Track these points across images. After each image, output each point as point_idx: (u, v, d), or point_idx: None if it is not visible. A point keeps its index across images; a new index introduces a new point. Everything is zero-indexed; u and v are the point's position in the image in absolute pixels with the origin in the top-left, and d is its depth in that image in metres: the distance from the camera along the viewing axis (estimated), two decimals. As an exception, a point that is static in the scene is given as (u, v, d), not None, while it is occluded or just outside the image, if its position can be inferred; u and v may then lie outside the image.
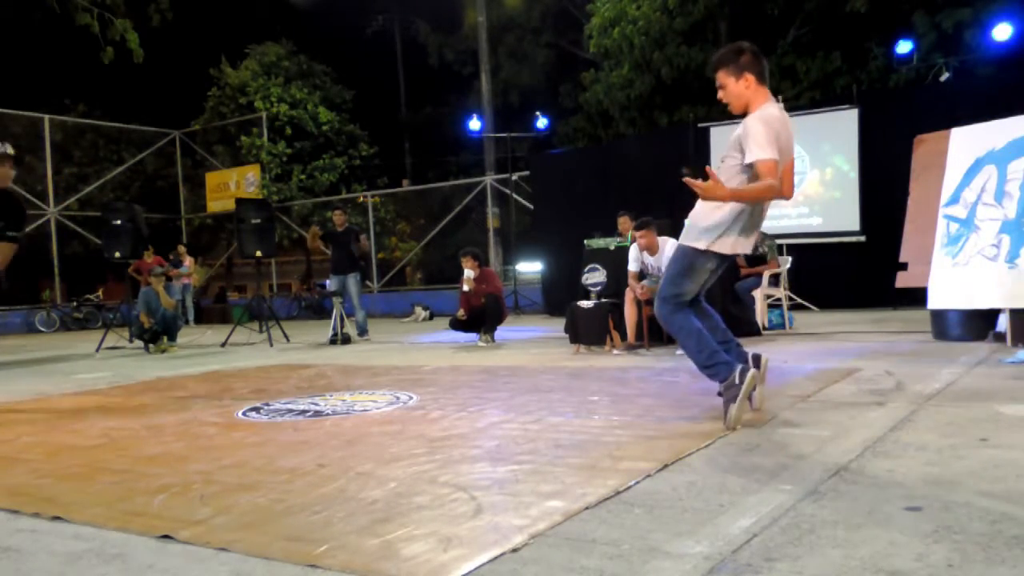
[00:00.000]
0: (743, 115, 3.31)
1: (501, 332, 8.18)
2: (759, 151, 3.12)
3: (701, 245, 3.29)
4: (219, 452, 3.26)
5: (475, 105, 19.42)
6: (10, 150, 5.12)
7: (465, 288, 8.05)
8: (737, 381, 3.15)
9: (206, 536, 2.12)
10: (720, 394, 3.22)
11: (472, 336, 8.31)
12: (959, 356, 5.17)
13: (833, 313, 9.83)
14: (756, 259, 7.93)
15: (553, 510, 2.18)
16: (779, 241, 9.26)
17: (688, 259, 3.34)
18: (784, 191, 3.33)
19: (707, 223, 3.27)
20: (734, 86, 3.28)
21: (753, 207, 3.26)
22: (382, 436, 3.42)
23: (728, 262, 3.41)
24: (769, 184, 3.10)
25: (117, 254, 9.90)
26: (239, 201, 10.70)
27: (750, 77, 3.25)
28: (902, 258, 6.38)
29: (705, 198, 3.17)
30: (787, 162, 3.30)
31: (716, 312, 3.56)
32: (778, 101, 3.36)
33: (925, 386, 4.04)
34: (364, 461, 2.94)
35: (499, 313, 8.18)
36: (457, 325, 8.22)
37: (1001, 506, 2.04)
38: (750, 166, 3.17)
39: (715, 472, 2.53)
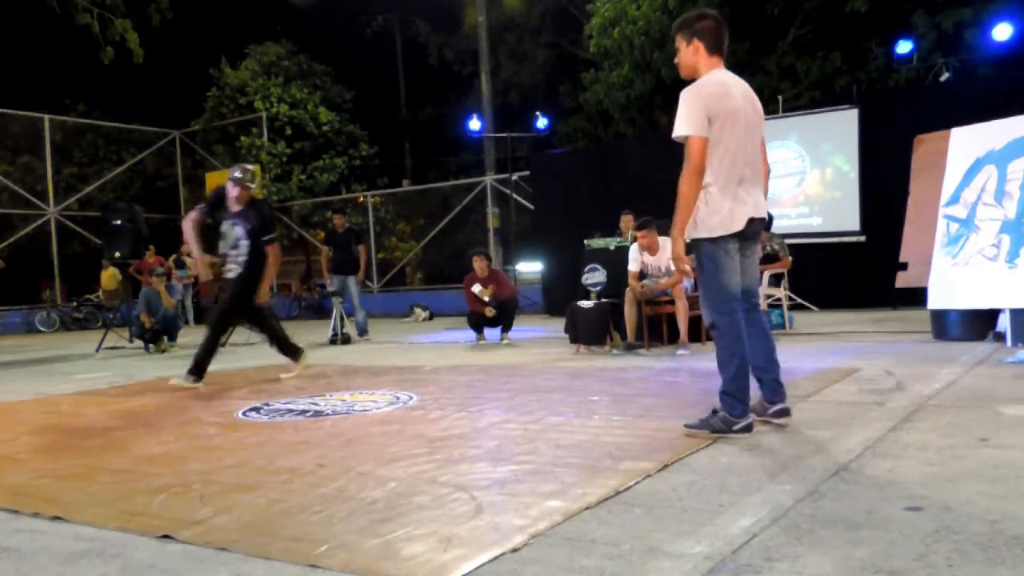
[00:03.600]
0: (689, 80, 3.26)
1: (499, 332, 8.21)
2: (677, 127, 3.06)
3: (716, 232, 3.11)
4: (219, 452, 3.26)
5: (475, 105, 19.38)
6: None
7: (486, 299, 8.07)
8: (735, 428, 3.02)
9: (206, 536, 2.12)
10: (715, 411, 3.11)
11: (472, 336, 8.36)
12: (959, 356, 5.17)
13: (833, 313, 9.82)
14: (768, 257, 7.91)
15: (553, 510, 2.18)
16: (779, 241, 9.24)
17: (709, 252, 3.14)
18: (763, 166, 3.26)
19: (706, 210, 3.12)
20: (684, 51, 3.22)
21: (728, 173, 3.08)
22: (382, 436, 3.42)
23: (751, 237, 3.21)
24: (692, 169, 3.01)
25: (117, 254, 9.90)
26: (239, 201, 10.69)
27: (699, 44, 3.18)
28: (902, 258, 6.38)
29: (678, 265, 3.20)
30: (744, 132, 3.12)
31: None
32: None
33: (925, 386, 4.03)
34: (364, 461, 2.94)
35: (515, 312, 8.47)
36: (476, 322, 8.26)
37: (1001, 506, 2.04)
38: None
39: (715, 472, 2.53)
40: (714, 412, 3.12)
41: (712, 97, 3.06)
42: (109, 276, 16.66)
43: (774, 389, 3.25)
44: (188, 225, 5.60)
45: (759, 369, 3.25)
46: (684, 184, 3.07)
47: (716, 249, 3.12)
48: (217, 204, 5.65)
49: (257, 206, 5.69)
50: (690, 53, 3.20)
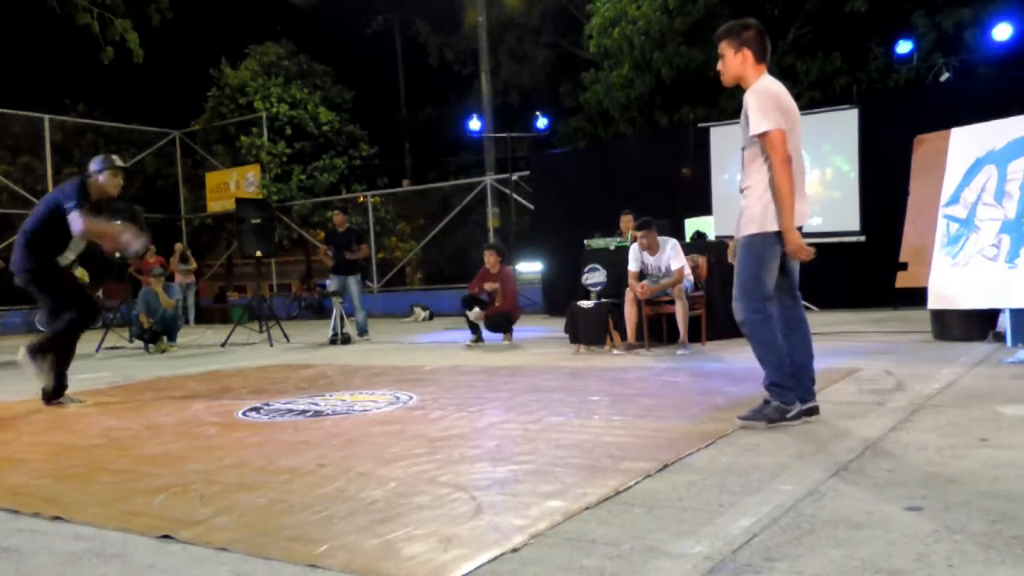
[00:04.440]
0: (730, 87, 3.41)
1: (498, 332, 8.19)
2: (760, 122, 3.15)
3: (769, 228, 3.19)
4: (219, 452, 3.26)
5: (475, 105, 19.38)
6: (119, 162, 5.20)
7: (472, 317, 8.00)
8: (788, 416, 3.18)
9: (206, 536, 2.12)
10: (767, 401, 3.23)
11: (469, 335, 8.32)
12: (959, 356, 5.17)
13: (833, 313, 9.82)
14: None
15: (553, 510, 2.18)
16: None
17: (758, 248, 3.22)
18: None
19: (760, 205, 3.21)
20: (731, 59, 3.33)
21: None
22: (382, 436, 3.42)
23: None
24: (781, 161, 3.11)
25: (118, 254, 9.89)
26: (239, 201, 10.71)
27: (748, 53, 3.30)
28: (902, 258, 6.38)
29: (799, 256, 3.17)
30: (799, 134, 3.30)
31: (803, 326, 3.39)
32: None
33: (925, 386, 4.04)
34: (364, 461, 2.94)
35: (512, 321, 8.35)
36: (473, 323, 8.21)
37: (1001, 506, 2.04)
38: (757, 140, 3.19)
39: (715, 472, 2.53)
40: (766, 402, 3.23)
41: (776, 96, 3.21)
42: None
43: (807, 388, 3.32)
44: (91, 223, 4.86)
45: (798, 366, 3.32)
46: (779, 176, 3.13)
47: (767, 244, 3.21)
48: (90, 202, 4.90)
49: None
50: (738, 62, 3.32)
